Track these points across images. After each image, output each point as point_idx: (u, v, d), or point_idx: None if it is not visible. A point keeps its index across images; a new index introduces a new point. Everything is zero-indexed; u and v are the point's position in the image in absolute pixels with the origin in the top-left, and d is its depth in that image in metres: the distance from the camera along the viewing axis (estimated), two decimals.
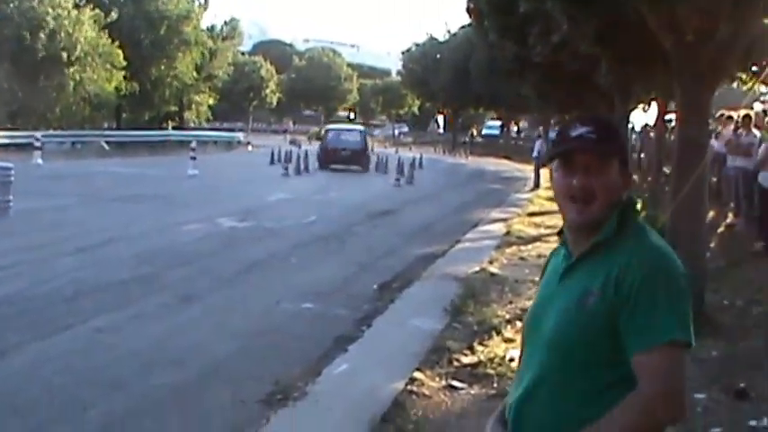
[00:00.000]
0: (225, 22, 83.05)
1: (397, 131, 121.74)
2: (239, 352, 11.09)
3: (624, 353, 3.02)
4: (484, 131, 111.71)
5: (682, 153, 12.64)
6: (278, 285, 15.40)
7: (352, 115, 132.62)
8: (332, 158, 50.07)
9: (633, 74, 20.99)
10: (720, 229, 20.31)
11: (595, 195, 3.17)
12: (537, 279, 13.87)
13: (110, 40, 60.15)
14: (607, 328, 3.04)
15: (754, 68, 20.01)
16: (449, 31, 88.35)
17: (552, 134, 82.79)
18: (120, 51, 60.58)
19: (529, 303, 13.74)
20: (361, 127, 64.90)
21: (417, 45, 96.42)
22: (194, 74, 72.22)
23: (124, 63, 61.17)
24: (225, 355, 10.86)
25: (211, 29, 79.60)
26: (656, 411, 2.94)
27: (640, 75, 20.93)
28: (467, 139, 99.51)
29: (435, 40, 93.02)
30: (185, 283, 15.09)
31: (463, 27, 75.81)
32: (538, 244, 21.21)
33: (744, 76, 20.63)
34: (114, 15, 61.38)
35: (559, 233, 3.49)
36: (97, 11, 59.95)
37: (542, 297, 3.41)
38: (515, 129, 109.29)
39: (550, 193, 39.54)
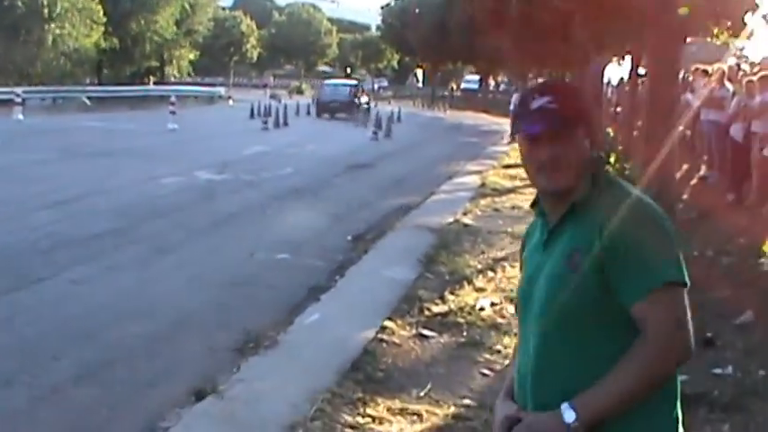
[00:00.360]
0: None
1: (376, 86, 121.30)
2: (212, 302, 11.08)
3: (620, 304, 2.96)
4: (463, 86, 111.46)
5: (653, 105, 12.63)
6: (253, 237, 15.41)
7: (348, 70, 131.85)
8: (325, 109, 57.53)
9: (607, 27, 20.91)
10: (693, 182, 20.33)
11: (564, 163, 3.10)
12: (510, 230, 13.81)
13: None
14: (599, 282, 2.97)
15: (729, 23, 20.00)
16: None
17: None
18: (99, 7, 60.24)
19: (501, 254, 13.86)
20: (353, 82, 69.13)
21: (396, 0, 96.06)
22: (174, 29, 71.94)
23: (104, 19, 60.82)
24: (197, 306, 10.86)
25: None
26: (663, 358, 2.92)
27: (614, 27, 20.84)
28: (446, 94, 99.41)
29: None
30: (160, 236, 15.04)
31: None
32: (512, 196, 21.20)
33: (716, 31, 20.61)
34: None
35: (533, 205, 3.38)
36: None
37: (529, 271, 3.29)
38: (494, 83, 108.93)
39: None
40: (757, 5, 18.93)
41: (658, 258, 2.95)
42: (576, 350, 3.02)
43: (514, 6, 22.95)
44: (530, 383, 3.14)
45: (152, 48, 71.21)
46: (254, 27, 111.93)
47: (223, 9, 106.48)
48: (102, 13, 60.43)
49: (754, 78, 17.58)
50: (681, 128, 16.99)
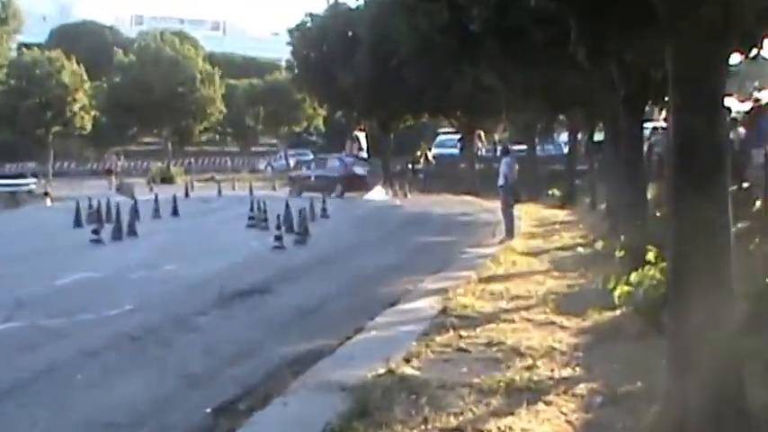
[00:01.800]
0: None
1: (292, 161, 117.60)
2: None
3: None
4: (434, 152, 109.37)
5: (679, 152, 12.76)
6: (47, 419, 15.42)
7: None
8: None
9: (614, 39, 21.05)
10: None
11: None
12: (477, 381, 13.99)
13: None
14: None
15: None
16: None
17: (540, 148, 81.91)
18: None
19: (454, 422, 13.86)
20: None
21: (313, 17, 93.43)
22: None
23: None
24: None
25: None
26: None
27: (623, 41, 20.98)
28: (408, 167, 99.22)
29: (344, 5, 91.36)
30: None
31: None
32: (492, 326, 21.11)
33: None
34: None
35: None
36: None
37: None
38: (482, 144, 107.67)
39: (531, 243, 39.76)
40: None
41: None
42: None
43: (476, 16, 23.02)
44: None
45: None
46: (85, 75, 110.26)
47: (28, 47, 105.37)
48: None
49: None
50: None
